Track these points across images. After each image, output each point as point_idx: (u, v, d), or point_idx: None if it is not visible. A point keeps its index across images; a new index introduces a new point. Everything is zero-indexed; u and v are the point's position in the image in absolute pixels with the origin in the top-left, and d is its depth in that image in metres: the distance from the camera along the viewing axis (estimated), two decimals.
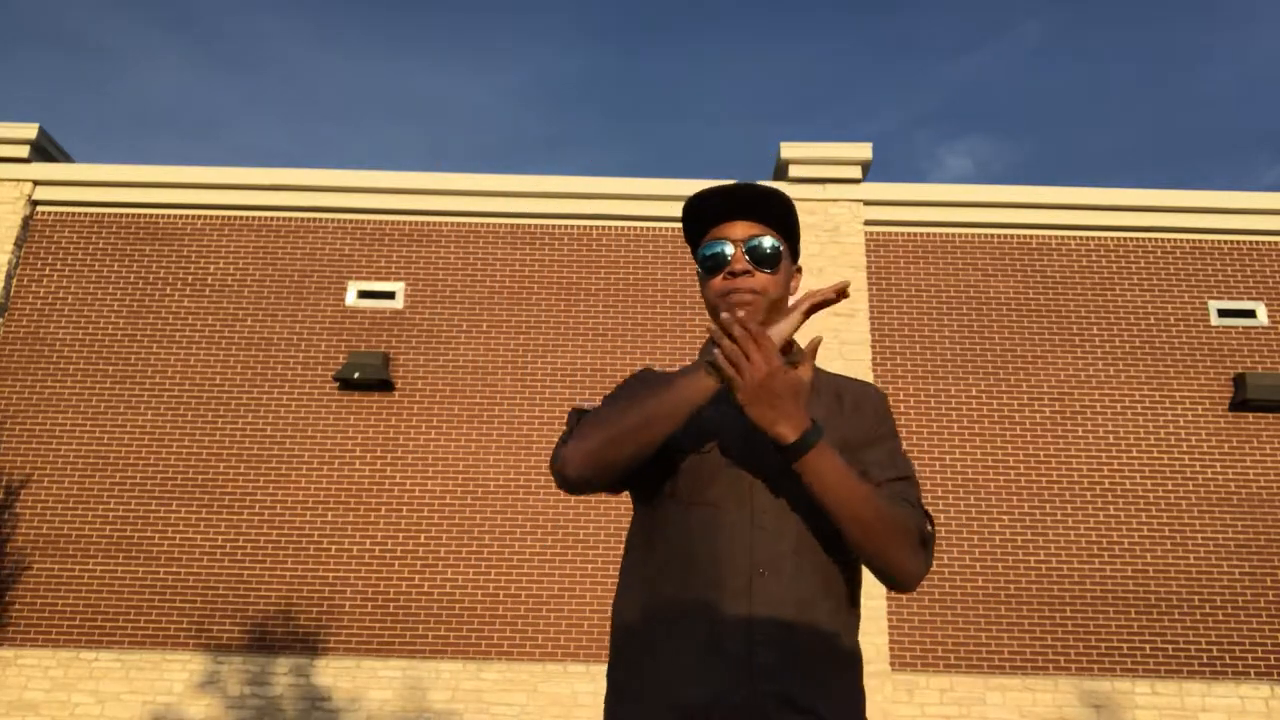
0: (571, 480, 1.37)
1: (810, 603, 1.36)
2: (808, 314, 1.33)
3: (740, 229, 1.50)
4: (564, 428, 1.49)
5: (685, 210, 1.53)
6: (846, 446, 1.47)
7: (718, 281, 1.50)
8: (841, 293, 1.33)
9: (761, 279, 1.48)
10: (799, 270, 1.61)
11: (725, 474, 1.42)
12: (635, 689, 1.38)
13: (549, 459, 1.83)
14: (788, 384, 1.29)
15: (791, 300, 1.64)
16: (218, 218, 9.81)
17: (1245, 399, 8.96)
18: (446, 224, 9.80)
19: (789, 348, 1.57)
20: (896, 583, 1.37)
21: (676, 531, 1.41)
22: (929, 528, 1.43)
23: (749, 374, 1.28)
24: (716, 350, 1.30)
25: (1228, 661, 8.49)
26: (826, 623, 1.37)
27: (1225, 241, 9.70)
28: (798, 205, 9.74)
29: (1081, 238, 9.74)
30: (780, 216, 1.51)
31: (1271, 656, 8.51)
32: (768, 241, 1.49)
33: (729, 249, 1.49)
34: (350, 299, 9.53)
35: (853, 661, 1.40)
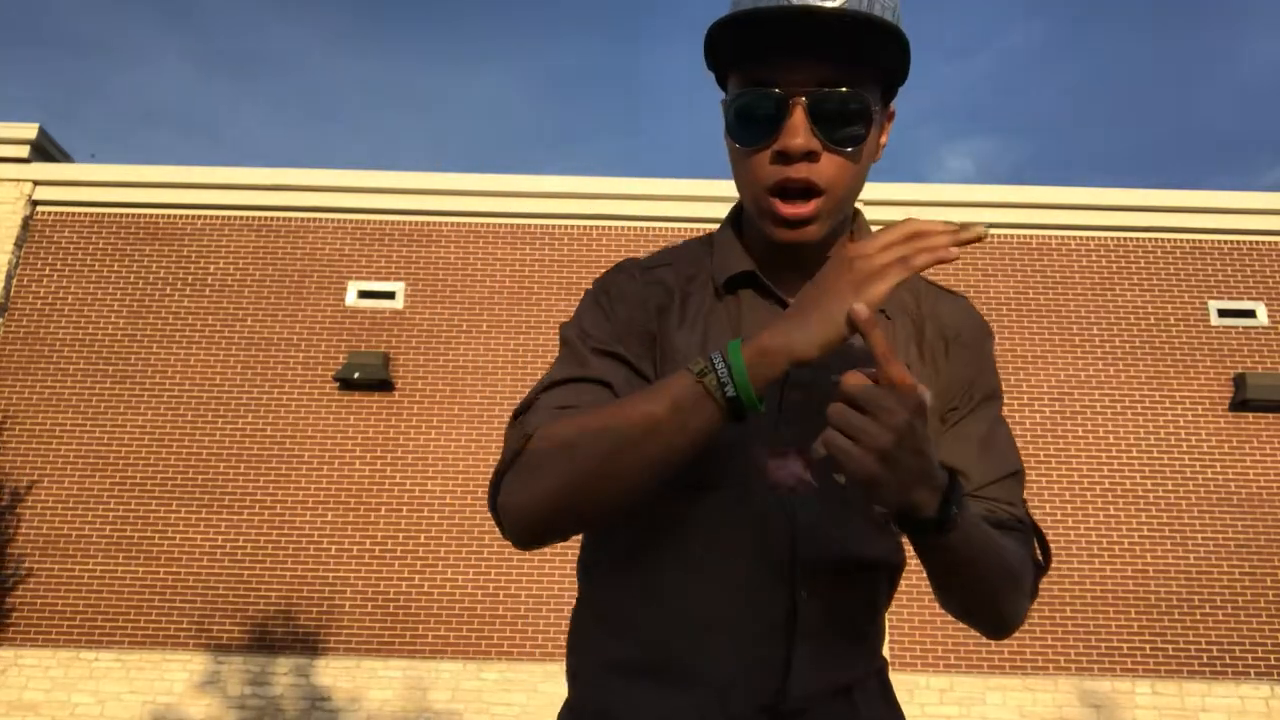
0: (521, 543, 0.92)
1: (858, 630, 0.97)
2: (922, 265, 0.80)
3: (804, 72, 0.89)
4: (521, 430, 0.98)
5: (712, 34, 0.92)
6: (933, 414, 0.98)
7: (763, 164, 0.92)
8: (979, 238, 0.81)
9: (832, 166, 0.91)
10: (892, 116, 0.99)
11: (737, 441, 0.92)
12: None
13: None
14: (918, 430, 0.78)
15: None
16: (218, 218, 9.81)
17: (1245, 399, 8.96)
18: (446, 224, 9.80)
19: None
20: (995, 634, 1.00)
21: (668, 536, 0.95)
22: (1043, 558, 1.04)
23: (876, 445, 0.76)
24: (829, 440, 0.79)
25: (1228, 661, 8.49)
26: (872, 659, 0.99)
27: (1225, 241, 9.70)
28: None
29: (1081, 238, 9.73)
30: (875, 54, 0.90)
31: (1271, 656, 8.51)
32: (849, 99, 0.89)
33: (780, 100, 0.90)
34: (350, 299, 9.53)
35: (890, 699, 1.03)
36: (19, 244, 9.61)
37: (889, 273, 0.80)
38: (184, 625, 8.61)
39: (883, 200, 9.65)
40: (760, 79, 0.91)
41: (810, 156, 0.90)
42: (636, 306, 1.02)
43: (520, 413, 0.97)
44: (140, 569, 8.75)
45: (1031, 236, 9.73)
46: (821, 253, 0.99)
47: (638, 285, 1.03)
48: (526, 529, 0.90)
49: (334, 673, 8.45)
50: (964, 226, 0.80)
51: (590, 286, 1.08)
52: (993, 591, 0.93)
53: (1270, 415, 9.11)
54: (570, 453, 0.87)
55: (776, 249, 0.98)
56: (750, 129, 0.93)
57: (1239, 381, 9.08)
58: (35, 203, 9.78)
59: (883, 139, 0.99)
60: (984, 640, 8.55)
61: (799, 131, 0.89)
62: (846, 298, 0.80)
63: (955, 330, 1.03)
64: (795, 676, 0.92)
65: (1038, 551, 1.03)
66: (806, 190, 0.92)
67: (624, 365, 0.98)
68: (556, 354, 1.04)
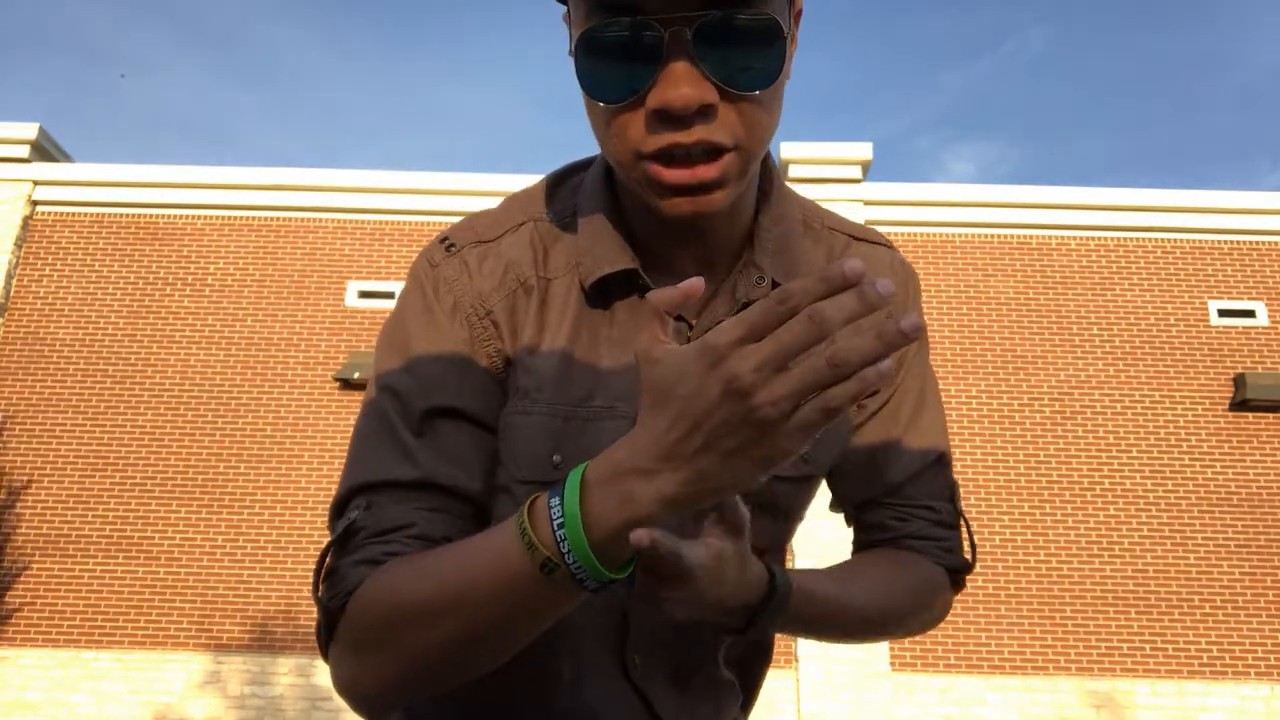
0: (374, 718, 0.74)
1: (704, 681, 0.87)
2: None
3: None
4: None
5: None
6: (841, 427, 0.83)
7: (636, 126, 0.66)
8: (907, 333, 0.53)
9: (739, 117, 0.65)
10: (799, 13, 0.74)
11: None
12: None
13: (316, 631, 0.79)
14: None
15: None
16: (218, 218, 9.81)
17: (1245, 399, 8.95)
18: (447, 224, 9.79)
19: None
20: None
21: None
22: (971, 556, 0.92)
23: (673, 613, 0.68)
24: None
25: (1228, 661, 8.49)
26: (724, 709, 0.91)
27: (1225, 241, 9.70)
28: None
29: (1081, 238, 9.73)
30: None
31: (1271, 656, 8.50)
32: (751, 16, 0.63)
33: (650, 34, 0.62)
34: (350, 299, 9.53)
35: None
36: (19, 244, 9.61)
37: (807, 426, 0.53)
38: (184, 625, 8.61)
39: (883, 200, 9.65)
40: (617, 2, 0.63)
41: (705, 113, 0.64)
42: (479, 317, 0.77)
43: (336, 536, 0.74)
44: (140, 569, 8.74)
45: (1031, 236, 9.73)
46: (726, 222, 0.76)
47: (480, 279, 0.78)
48: (376, 711, 0.72)
49: None
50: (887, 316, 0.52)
51: (410, 278, 0.80)
52: (851, 637, 0.85)
53: (1270, 415, 9.10)
54: (399, 639, 0.67)
55: (664, 220, 0.71)
56: (610, 79, 0.64)
57: (1239, 381, 9.07)
58: (35, 203, 9.78)
59: (793, 45, 0.70)
60: (984, 640, 8.55)
61: (684, 79, 0.62)
62: (748, 459, 0.54)
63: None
64: None
65: (966, 549, 0.91)
66: (706, 151, 0.65)
67: (465, 422, 0.76)
68: (372, 370, 0.80)
